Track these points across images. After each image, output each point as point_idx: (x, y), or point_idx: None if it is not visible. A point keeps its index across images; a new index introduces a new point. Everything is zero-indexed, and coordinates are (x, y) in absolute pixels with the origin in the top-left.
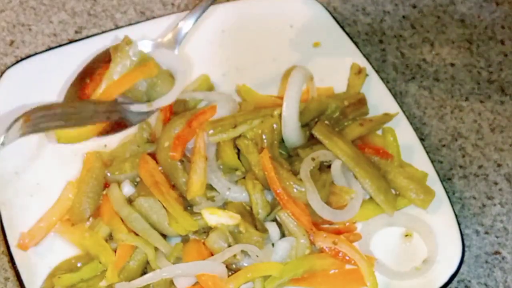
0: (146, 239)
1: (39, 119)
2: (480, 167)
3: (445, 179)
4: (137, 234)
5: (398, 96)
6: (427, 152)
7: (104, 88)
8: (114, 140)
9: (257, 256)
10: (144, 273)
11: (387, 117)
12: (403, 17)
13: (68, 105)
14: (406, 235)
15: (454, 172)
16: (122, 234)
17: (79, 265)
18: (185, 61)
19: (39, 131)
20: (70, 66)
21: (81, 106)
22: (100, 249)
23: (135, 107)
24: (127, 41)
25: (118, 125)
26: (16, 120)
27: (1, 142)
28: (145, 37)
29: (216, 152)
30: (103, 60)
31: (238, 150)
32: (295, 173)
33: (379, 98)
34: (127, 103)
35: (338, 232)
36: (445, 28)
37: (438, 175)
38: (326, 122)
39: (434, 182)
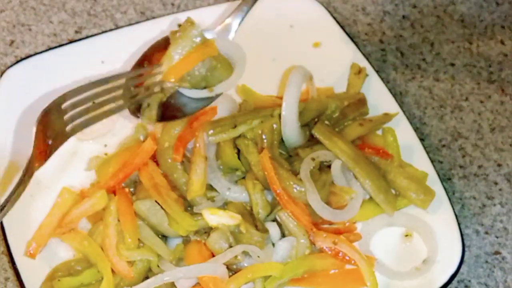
0: (150, 246)
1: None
2: (480, 167)
3: (445, 179)
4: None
5: (398, 96)
6: (427, 152)
7: (165, 71)
8: (113, 141)
9: (259, 256)
10: (146, 277)
11: (387, 117)
12: (403, 17)
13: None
14: (406, 235)
15: (454, 172)
16: (124, 251)
17: (78, 268)
18: (241, 48)
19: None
20: (70, 66)
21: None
22: (98, 258)
23: (195, 93)
24: (190, 21)
25: (173, 113)
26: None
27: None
28: (145, 37)
29: (216, 152)
30: (160, 47)
31: (238, 150)
32: (295, 173)
33: (379, 98)
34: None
35: (338, 232)
36: (445, 28)
37: (438, 175)
38: (326, 122)
39: (434, 182)
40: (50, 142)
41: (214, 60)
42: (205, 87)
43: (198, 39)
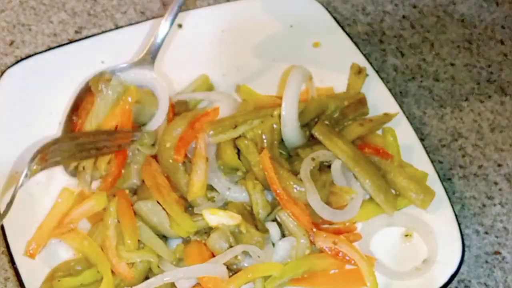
0: (151, 247)
1: (52, 154)
2: (480, 167)
3: (445, 179)
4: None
5: (398, 96)
6: (427, 152)
7: (94, 127)
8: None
9: (259, 256)
10: (146, 277)
11: (387, 117)
12: (403, 17)
13: (80, 136)
14: (406, 235)
15: (454, 172)
16: (123, 253)
17: (78, 268)
18: (162, 78)
19: (55, 165)
20: (70, 66)
21: (95, 136)
22: (98, 258)
23: (135, 136)
24: (106, 79)
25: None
26: (35, 155)
27: (25, 175)
28: (144, 37)
29: (217, 152)
30: (86, 93)
31: (238, 150)
32: (295, 173)
33: (379, 98)
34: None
35: (338, 232)
36: (445, 28)
37: (438, 175)
38: (326, 122)
39: (434, 182)
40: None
41: (139, 104)
42: (141, 125)
43: (119, 89)
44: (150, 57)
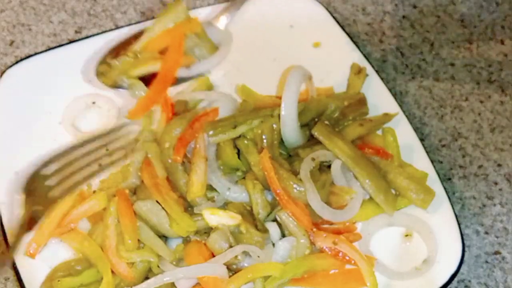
0: (150, 247)
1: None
2: (480, 167)
3: (445, 179)
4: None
5: (398, 96)
6: (427, 152)
7: (144, 42)
8: (113, 141)
9: (259, 256)
10: (146, 277)
11: (387, 117)
12: (403, 17)
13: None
14: (406, 235)
15: (454, 172)
16: (124, 253)
17: (78, 268)
18: (230, 35)
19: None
20: (70, 66)
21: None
22: (98, 258)
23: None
24: (177, 0)
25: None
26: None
27: None
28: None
29: (216, 152)
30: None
31: (238, 150)
32: (295, 173)
33: (379, 98)
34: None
35: (338, 232)
36: (445, 28)
37: (438, 175)
38: (326, 122)
39: (434, 182)
40: (36, 208)
41: (197, 38)
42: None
43: (182, 16)
44: (224, 19)
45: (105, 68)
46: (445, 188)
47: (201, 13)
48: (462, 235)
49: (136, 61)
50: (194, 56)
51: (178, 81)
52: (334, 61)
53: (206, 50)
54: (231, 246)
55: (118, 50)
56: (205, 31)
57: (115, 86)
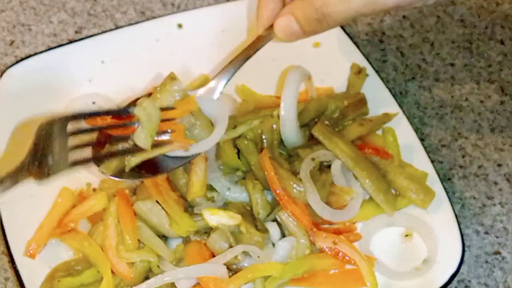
0: (151, 247)
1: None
2: (480, 167)
3: (445, 179)
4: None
5: (398, 96)
6: (427, 152)
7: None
8: None
9: (259, 256)
10: (146, 277)
11: (387, 117)
12: (403, 17)
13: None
14: (406, 235)
15: (454, 172)
16: (124, 253)
17: (78, 268)
18: (225, 108)
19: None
20: (70, 66)
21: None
22: (98, 258)
23: (172, 152)
24: (172, 77)
25: (152, 169)
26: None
27: None
28: (145, 37)
29: (216, 152)
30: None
31: (238, 150)
32: (295, 173)
33: (379, 98)
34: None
35: (338, 232)
36: (445, 28)
37: (438, 175)
38: (326, 122)
39: (434, 182)
40: (50, 161)
41: (194, 117)
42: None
43: (178, 95)
44: (216, 88)
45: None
46: (445, 188)
47: (201, 14)
48: (462, 235)
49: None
50: (191, 136)
51: (174, 162)
52: (334, 61)
53: (202, 129)
54: (231, 246)
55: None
56: (200, 109)
57: (116, 174)
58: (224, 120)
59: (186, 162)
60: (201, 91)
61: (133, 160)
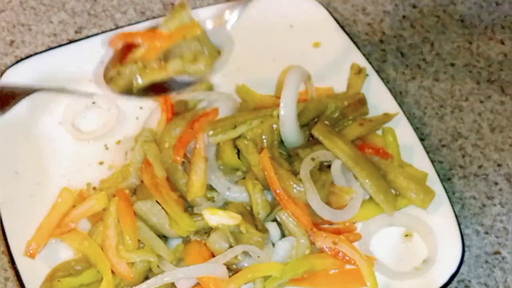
0: (150, 247)
1: None
2: (480, 167)
3: (445, 179)
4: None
5: (398, 96)
6: (427, 152)
7: (148, 45)
8: (113, 141)
9: (259, 256)
10: (146, 277)
11: (387, 117)
12: (403, 17)
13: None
14: (406, 235)
15: (454, 172)
16: (124, 252)
17: (78, 268)
18: (231, 37)
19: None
20: (70, 66)
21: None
22: (98, 258)
23: (179, 77)
24: (182, 5)
25: (161, 88)
26: None
27: None
28: None
29: (216, 152)
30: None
31: (238, 150)
32: (295, 173)
33: (379, 98)
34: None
35: (338, 232)
36: (445, 28)
37: (438, 175)
38: (326, 122)
39: (434, 182)
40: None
41: (200, 44)
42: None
43: (186, 21)
44: (228, 20)
45: (114, 74)
46: (445, 188)
47: (201, 14)
48: (462, 235)
49: (143, 70)
50: (196, 61)
51: (180, 86)
52: (334, 61)
53: (208, 55)
54: (231, 246)
55: (122, 54)
56: (207, 35)
57: (124, 93)
58: (230, 48)
59: (190, 87)
60: (209, 22)
61: (141, 80)
